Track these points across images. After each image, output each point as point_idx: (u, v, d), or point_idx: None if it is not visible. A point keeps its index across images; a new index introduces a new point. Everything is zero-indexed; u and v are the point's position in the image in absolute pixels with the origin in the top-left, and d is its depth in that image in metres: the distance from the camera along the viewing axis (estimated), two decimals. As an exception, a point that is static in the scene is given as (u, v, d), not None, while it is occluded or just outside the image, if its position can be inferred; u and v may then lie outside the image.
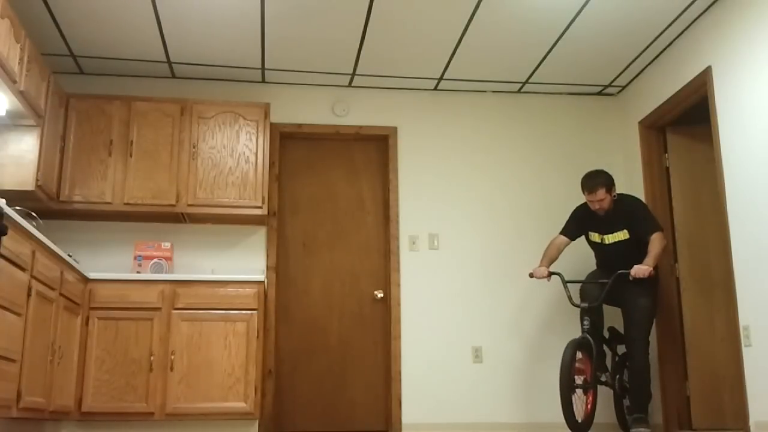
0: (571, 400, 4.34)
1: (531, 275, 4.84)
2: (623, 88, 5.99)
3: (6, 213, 3.22)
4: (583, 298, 4.75)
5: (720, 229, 4.73)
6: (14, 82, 4.09)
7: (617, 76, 5.78)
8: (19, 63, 4.13)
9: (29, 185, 4.55)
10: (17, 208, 4.23)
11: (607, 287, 4.65)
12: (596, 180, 4.76)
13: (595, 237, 4.90)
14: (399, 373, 5.36)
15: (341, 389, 5.45)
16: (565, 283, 4.78)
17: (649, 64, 5.54)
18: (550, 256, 4.93)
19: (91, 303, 4.73)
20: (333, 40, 5.18)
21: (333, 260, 5.68)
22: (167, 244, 5.22)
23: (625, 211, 4.78)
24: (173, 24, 4.93)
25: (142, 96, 5.37)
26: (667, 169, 5.48)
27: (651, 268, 4.51)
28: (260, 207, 5.25)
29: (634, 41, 5.20)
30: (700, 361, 5.08)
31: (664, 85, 5.33)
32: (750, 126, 4.39)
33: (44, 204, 4.85)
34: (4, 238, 3.20)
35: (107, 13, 4.77)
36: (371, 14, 4.82)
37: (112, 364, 4.65)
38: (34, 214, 4.65)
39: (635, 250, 4.68)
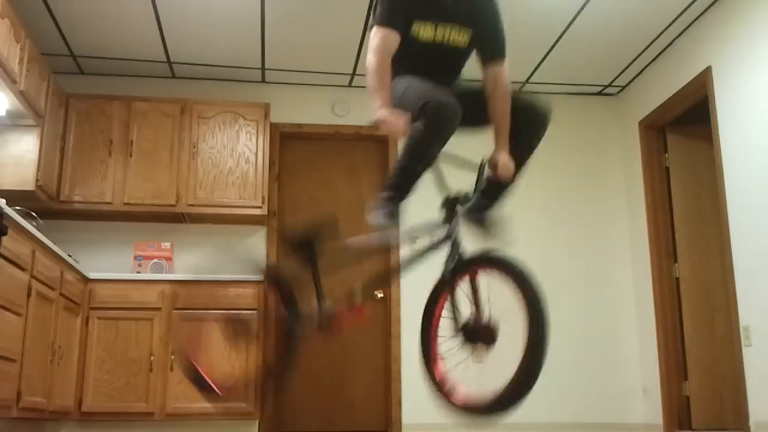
0: None
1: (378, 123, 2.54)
2: (623, 88, 5.99)
3: (6, 213, 3.22)
4: None
5: (720, 229, 4.73)
6: (14, 82, 4.09)
7: (617, 76, 5.78)
8: (19, 63, 4.13)
9: (29, 185, 4.56)
10: (17, 208, 4.23)
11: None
12: None
13: (426, 31, 2.66)
14: (399, 373, 5.35)
15: (341, 389, 5.44)
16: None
17: (649, 64, 5.54)
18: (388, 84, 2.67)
19: (91, 303, 4.72)
20: (333, 40, 5.18)
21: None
22: (167, 244, 5.21)
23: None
24: (173, 24, 4.93)
25: (142, 96, 5.37)
26: (667, 169, 5.48)
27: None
28: (260, 207, 5.24)
29: (634, 41, 5.20)
30: (700, 361, 5.08)
31: (664, 85, 5.33)
32: (750, 126, 4.39)
33: (44, 204, 4.85)
34: (4, 238, 3.20)
35: (107, 13, 4.77)
36: (371, 14, 4.82)
37: (112, 364, 4.65)
38: (34, 214, 4.65)
39: (459, 68, 2.81)
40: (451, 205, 2.55)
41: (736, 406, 4.68)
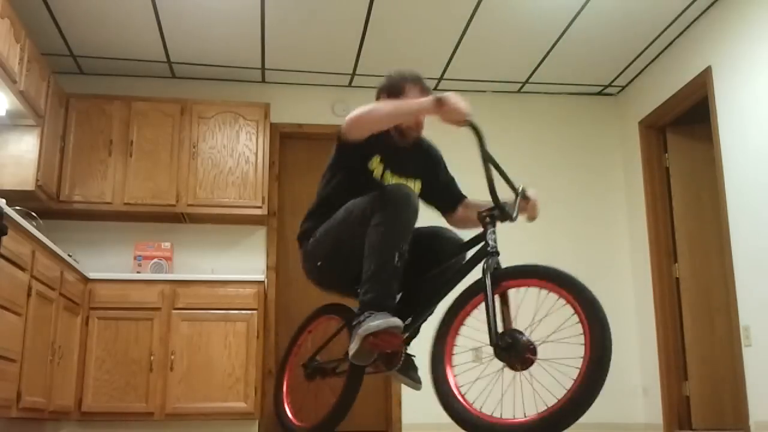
0: None
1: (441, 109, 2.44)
2: (623, 88, 5.99)
3: (6, 213, 3.22)
4: None
5: (720, 229, 4.73)
6: (14, 82, 4.09)
7: (617, 76, 5.78)
8: (19, 63, 4.13)
9: (29, 185, 4.56)
10: (17, 208, 4.23)
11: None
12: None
13: (377, 168, 2.75)
14: (399, 373, 5.35)
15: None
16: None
17: (649, 64, 5.54)
18: None
19: (91, 303, 4.72)
20: (333, 41, 5.17)
21: (333, 260, 5.67)
22: (167, 244, 5.21)
23: (429, 153, 2.99)
24: (173, 24, 4.93)
25: (142, 96, 5.37)
26: (667, 169, 5.48)
27: None
28: (260, 207, 5.24)
29: (634, 41, 5.20)
30: (700, 361, 5.08)
31: (664, 85, 5.33)
32: (750, 126, 4.39)
33: (44, 204, 4.84)
34: (4, 238, 3.20)
35: (107, 13, 4.77)
36: (371, 14, 4.82)
37: (112, 364, 4.65)
38: (34, 214, 4.65)
39: None
40: (488, 217, 2.50)
41: (736, 406, 4.68)
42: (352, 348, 2.39)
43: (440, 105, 2.36)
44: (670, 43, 5.23)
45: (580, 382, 2.14)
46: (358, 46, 5.26)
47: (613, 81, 5.86)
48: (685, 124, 5.41)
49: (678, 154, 5.46)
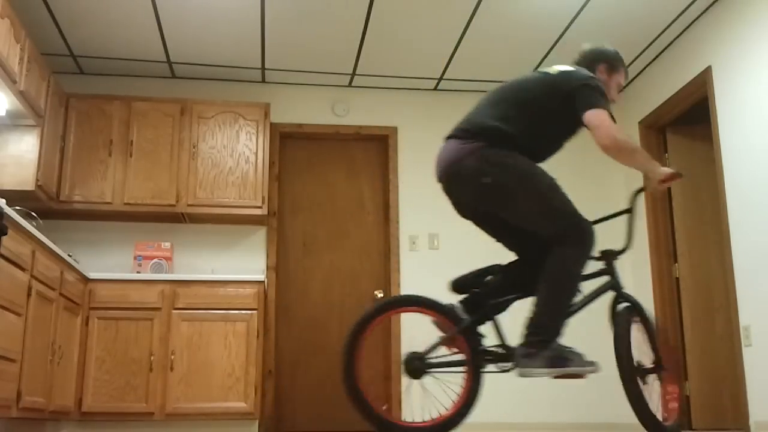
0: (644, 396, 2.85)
1: (664, 180, 2.72)
2: (623, 88, 5.98)
3: (6, 213, 3.22)
4: None
5: (720, 229, 4.73)
6: (14, 82, 4.09)
7: (617, 76, 5.78)
8: (19, 63, 4.13)
9: (29, 185, 4.56)
10: (17, 208, 4.23)
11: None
12: None
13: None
14: (399, 373, 5.35)
15: (341, 389, 5.43)
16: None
17: (649, 64, 5.54)
18: None
19: (91, 303, 4.72)
20: (333, 40, 5.18)
21: (333, 260, 5.68)
22: (167, 244, 5.21)
23: None
24: (173, 24, 4.93)
25: (142, 96, 5.37)
26: (667, 169, 5.48)
27: None
28: (260, 207, 5.25)
29: (634, 41, 5.20)
30: (700, 361, 5.08)
31: (664, 85, 5.33)
32: (750, 126, 4.39)
33: (44, 204, 4.85)
34: (4, 238, 3.20)
35: (107, 13, 4.77)
36: (371, 14, 4.82)
37: (112, 364, 4.65)
38: (34, 214, 4.65)
39: None
40: (609, 256, 2.80)
41: (736, 406, 4.68)
42: (533, 369, 2.50)
43: (666, 180, 2.65)
44: (670, 43, 5.24)
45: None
46: (358, 46, 5.26)
47: (613, 81, 5.86)
48: (685, 124, 5.41)
49: (678, 154, 5.46)
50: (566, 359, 2.53)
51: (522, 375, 2.54)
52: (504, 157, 2.62)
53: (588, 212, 2.57)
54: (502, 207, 2.66)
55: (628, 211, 2.86)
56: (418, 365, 2.72)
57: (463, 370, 2.69)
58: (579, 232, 2.57)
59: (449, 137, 2.83)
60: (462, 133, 2.75)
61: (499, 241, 2.86)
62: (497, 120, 2.67)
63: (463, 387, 2.69)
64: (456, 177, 2.70)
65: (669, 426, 2.80)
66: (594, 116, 2.62)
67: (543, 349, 2.51)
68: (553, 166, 3.07)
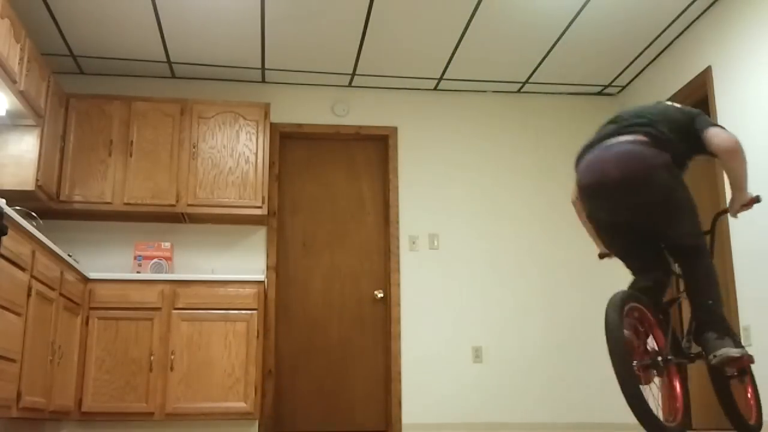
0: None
1: (747, 204, 2.86)
2: (623, 88, 5.99)
3: (6, 213, 3.22)
4: None
5: (720, 229, 4.72)
6: (14, 82, 4.10)
7: (617, 76, 5.78)
8: (19, 63, 4.13)
9: (29, 185, 4.56)
10: (17, 208, 4.24)
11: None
12: None
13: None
14: (399, 373, 5.36)
15: (341, 389, 5.44)
16: None
17: (649, 64, 5.54)
18: None
19: (91, 303, 4.72)
20: (333, 40, 5.18)
21: (333, 260, 5.68)
22: (167, 244, 5.22)
23: None
24: (173, 24, 4.93)
25: (142, 96, 5.37)
26: (667, 169, 5.48)
27: None
28: (260, 207, 5.25)
29: (634, 41, 5.20)
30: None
31: (664, 85, 5.33)
32: (750, 126, 4.39)
33: (44, 204, 4.85)
34: (4, 238, 3.20)
35: (107, 13, 4.77)
36: (371, 14, 4.82)
37: (112, 364, 4.65)
38: (34, 214, 4.65)
39: None
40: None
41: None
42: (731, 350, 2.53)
43: (748, 204, 2.77)
44: (670, 43, 5.24)
45: None
46: (358, 46, 5.26)
47: (613, 81, 5.86)
48: (685, 124, 5.40)
49: (678, 154, 5.45)
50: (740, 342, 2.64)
51: (719, 362, 2.57)
52: (681, 175, 2.70)
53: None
54: (667, 224, 2.67)
55: (709, 232, 2.89)
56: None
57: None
58: (704, 244, 2.72)
59: (619, 131, 2.71)
60: (649, 137, 2.65)
61: (626, 254, 2.85)
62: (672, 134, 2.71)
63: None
64: (635, 182, 2.57)
65: (753, 425, 2.86)
66: (716, 128, 2.74)
67: (732, 334, 2.60)
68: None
